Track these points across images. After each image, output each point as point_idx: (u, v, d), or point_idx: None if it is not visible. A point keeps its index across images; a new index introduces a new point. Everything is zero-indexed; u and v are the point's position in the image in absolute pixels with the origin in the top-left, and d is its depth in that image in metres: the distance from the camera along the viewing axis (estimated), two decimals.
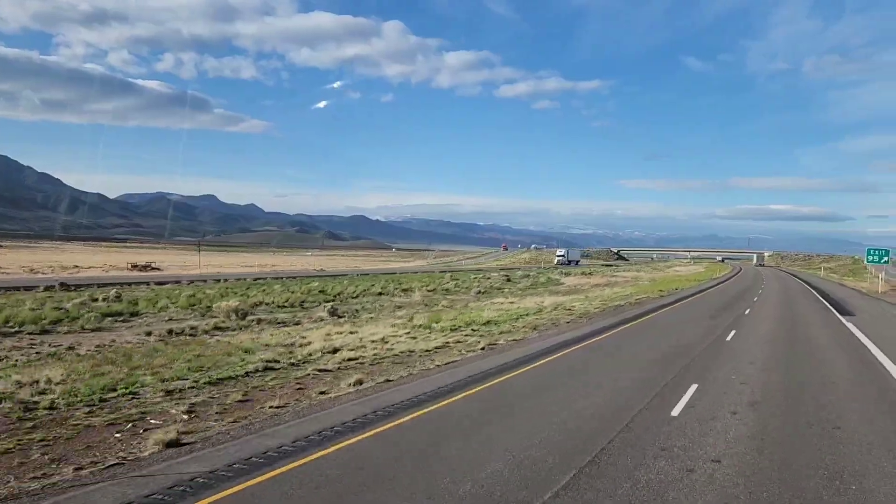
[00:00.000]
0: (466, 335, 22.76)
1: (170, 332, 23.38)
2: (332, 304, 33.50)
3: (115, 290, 37.11)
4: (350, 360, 17.35)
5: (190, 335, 23.06)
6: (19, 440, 9.84)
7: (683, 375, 16.28)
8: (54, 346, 19.87)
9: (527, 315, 30.89)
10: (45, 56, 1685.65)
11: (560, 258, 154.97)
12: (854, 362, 19.70)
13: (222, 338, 22.53)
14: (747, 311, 33.69)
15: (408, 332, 23.33)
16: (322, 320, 29.43)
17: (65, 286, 41.32)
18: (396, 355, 18.39)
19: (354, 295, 43.67)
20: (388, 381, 14.76)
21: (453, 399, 12.97)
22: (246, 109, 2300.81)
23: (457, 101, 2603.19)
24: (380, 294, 45.32)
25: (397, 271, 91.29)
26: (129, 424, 10.93)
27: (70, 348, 19.51)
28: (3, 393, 12.48)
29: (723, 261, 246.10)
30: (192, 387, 13.80)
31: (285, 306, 35.15)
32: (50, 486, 8.08)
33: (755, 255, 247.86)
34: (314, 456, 9.25)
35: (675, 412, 12.32)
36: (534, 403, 12.75)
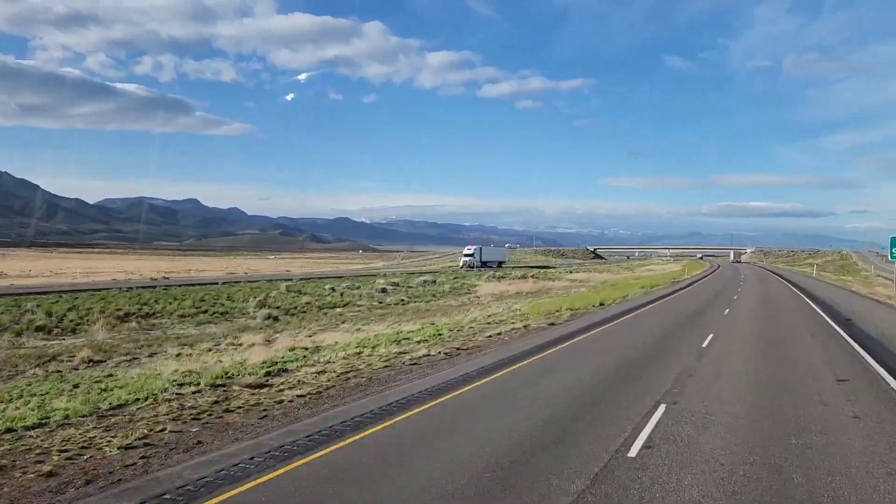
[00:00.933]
0: None
1: None
2: None
3: None
4: None
5: None
6: None
7: None
8: None
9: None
10: (21, 60, 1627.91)
11: (468, 259, 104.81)
12: None
13: None
14: (662, 411, 11.27)
15: None
16: None
17: None
18: None
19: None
20: None
21: None
22: (227, 112, 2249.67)
23: (439, 102, 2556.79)
24: (38, 330, 24.58)
25: (292, 277, 70.53)
26: None
27: None
28: None
29: (701, 258, 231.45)
30: None
31: None
32: None
33: (731, 252, 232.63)
34: None
35: None
36: None
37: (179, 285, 48.13)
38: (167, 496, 7.46)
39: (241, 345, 21.68)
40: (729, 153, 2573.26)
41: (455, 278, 66.70)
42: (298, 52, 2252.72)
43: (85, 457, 8.95)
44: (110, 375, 16.27)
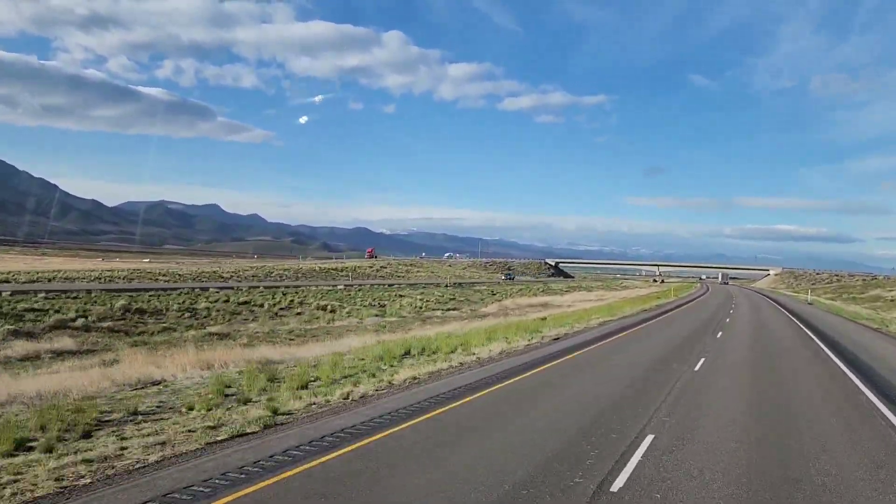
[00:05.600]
0: None
1: None
2: None
3: None
4: None
5: None
6: None
7: None
8: None
9: None
10: (43, 61, 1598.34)
11: None
12: None
13: None
14: None
15: None
16: None
17: None
18: None
19: None
20: None
21: None
22: (248, 118, 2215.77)
23: (460, 114, 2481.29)
24: None
25: None
26: None
27: None
28: None
29: (701, 279, 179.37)
30: None
31: None
32: None
33: (720, 274, 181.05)
34: None
35: None
36: None
37: None
38: None
39: None
40: (753, 175, 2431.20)
41: None
42: (318, 60, 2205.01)
43: None
44: None
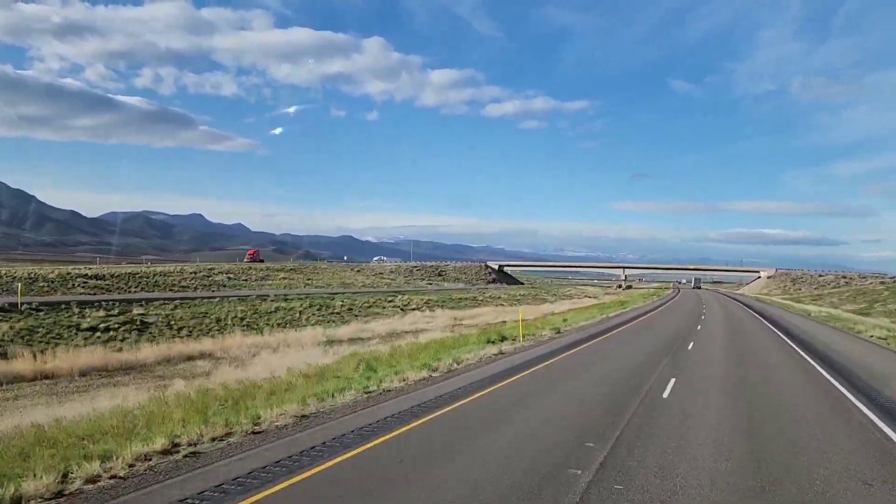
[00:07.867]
0: None
1: None
2: None
3: None
4: None
5: None
6: None
7: None
8: None
9: None
10: (19, 70, 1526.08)
11: None
12: None
13: None
14: None
15: None
16: None
17: None
18: None
19: None
20: None
21: None
22: (230, 127, 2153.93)
23: (443, 120, 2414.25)
24: None
25: None
26: None
27: None
28: None
29: (680, 283, 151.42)
30: None
31: None
32: None
33: (694, 279, 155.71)
34: None
35: None
36: None
37: None
38: None
39: None
40: (738, 179, 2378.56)
41: None
42: (299, 67, 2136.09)
43: None
44: None
